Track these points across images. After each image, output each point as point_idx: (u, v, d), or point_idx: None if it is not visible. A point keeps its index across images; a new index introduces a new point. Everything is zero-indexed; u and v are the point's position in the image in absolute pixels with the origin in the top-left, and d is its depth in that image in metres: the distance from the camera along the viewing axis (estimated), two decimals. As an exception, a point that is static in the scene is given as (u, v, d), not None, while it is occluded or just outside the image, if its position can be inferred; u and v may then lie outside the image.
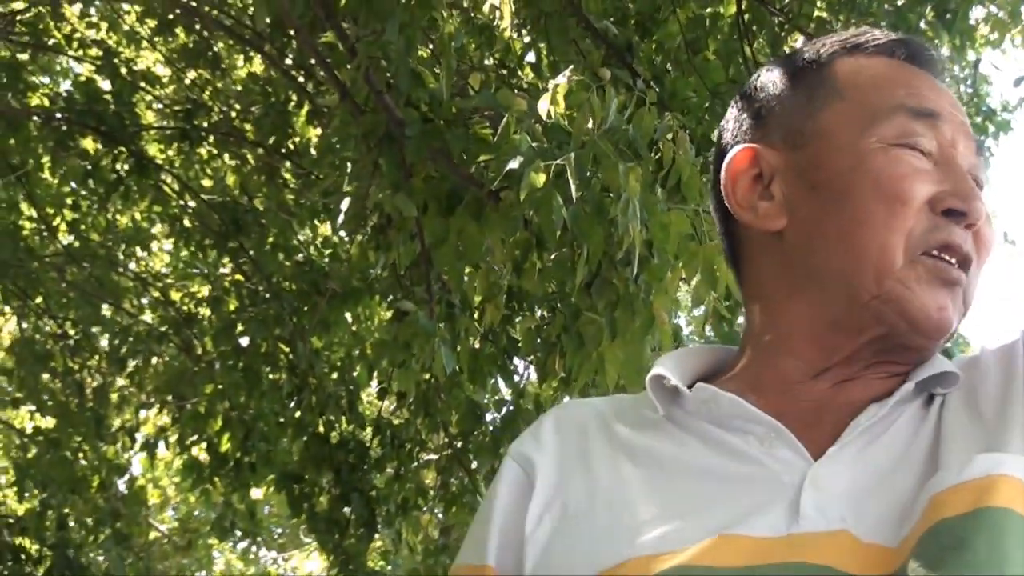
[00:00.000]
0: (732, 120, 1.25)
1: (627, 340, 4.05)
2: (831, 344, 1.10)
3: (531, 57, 5.71)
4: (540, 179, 3.58)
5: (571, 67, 4.00)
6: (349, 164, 4.93)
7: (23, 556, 6.75)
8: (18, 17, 6.96)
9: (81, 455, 7.43)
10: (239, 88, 7.05)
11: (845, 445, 1.01)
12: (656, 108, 4.00)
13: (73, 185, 7.17)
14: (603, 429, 1.14)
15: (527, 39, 5.57)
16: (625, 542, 0.99)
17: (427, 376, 5.37)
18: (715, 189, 1.22)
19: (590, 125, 3.72)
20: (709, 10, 5.47)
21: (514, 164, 3.62)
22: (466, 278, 4.80)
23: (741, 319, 4.95)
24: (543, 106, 3.75)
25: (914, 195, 1.07)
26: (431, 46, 5.05)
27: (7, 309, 7.77)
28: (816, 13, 5.65)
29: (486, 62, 5.60)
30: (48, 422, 7.61)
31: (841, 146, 1.12)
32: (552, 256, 4.13)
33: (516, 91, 5.06)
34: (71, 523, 7.25)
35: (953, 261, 1.07)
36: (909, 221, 1.07)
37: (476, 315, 5.32)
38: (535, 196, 3.59)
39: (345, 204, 4.63)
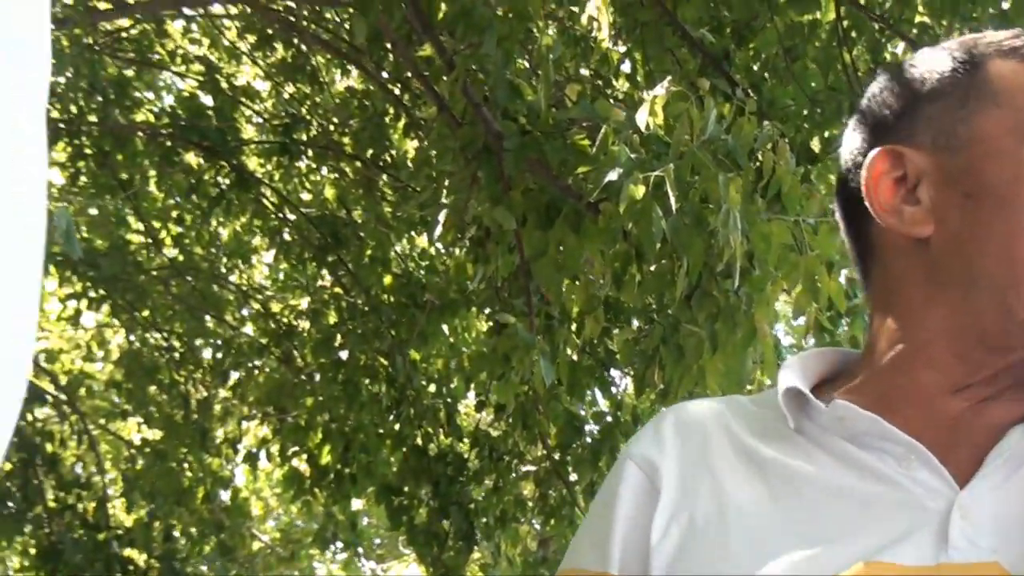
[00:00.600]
0: (869, 114, 1.17)
1: (728, 352, 4.02)
2: (977, 360, 1.03)
3: (626, 67, 5.69)
4: (639, 191, 3.56)
5: (669, 77, 3.97)
6: (447, 177, 4.95)
7: (131, 567, 6.86)
8: (123, 34, 7.11)
9: (186, 466, 7.55)
10: (337, 102, 7.12)
11: (990, 472, 0.97)
12: (755, 117, 3.96)
13: (177, 199, 7.30)
14: (726, 434, 1.09)
15: (622, 49, 5.54)
16: (763, 565, 0.95)
17: (525, 388, 5.37)
18: (843, 189, 1.17)
19: (689, 135, 3.70)
20: (807, 17, 5.39)
21: (613, 176, 3.60)
22: (564, 290, 4.80)
23: (843, 329, 4.90)
24: (641, 117, 3.73)
25: None
26: (528, 58, 5.06)
27: (116, 322, 7.92)
28: (918, 18, 5.55)
29: (582, 72, 5.59)
30: (155, 434, 7.74)
31: (1000, 154, 1.06)
32: (651, 268, 4.10)
33: (612, 101, 5.06)
34: (177, 534, 7.37)
35: None
36: None
37: (574, 327, 5.31)
38: (634, 208, 3.58)
39: (442, 216, 4.65)
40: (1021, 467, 0.97)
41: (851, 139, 1.18)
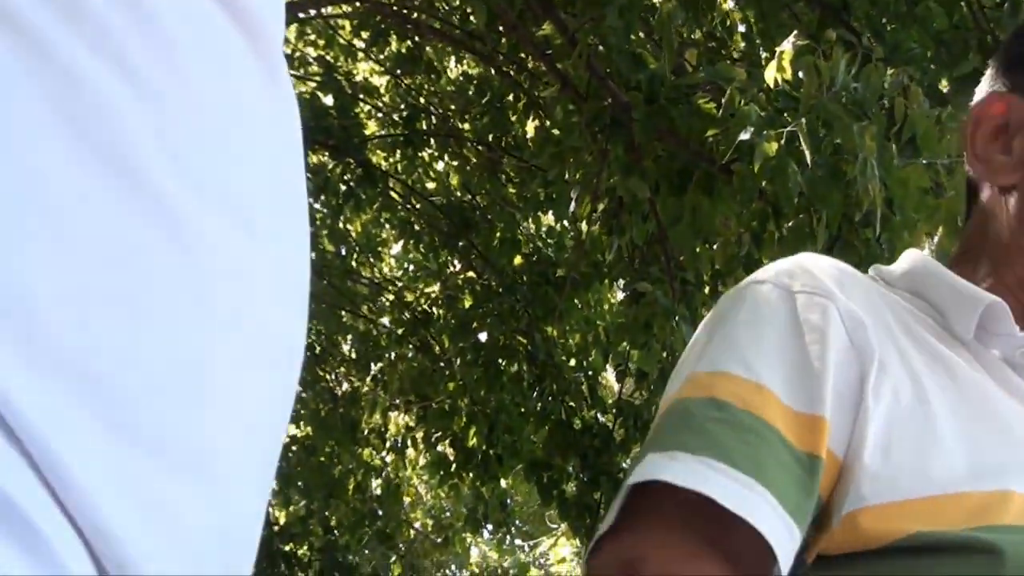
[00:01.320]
0: (1002, 59, 1.16)
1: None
2: None
3: (742, 28, 5.65)
4: (773, 147, 3.56)
5: (795, 32, 3.95)
6: (574, 153, 4.98)
7: (294, 562, 7.02)
8: (242, 43, 7.25)
9: (336, 459, 7.70)
10: (454, 89, 7.18)
11: None
12: (882, 64, 3.92)
13: (309, 200, 7.42)
14: (898, 317, 1.02)
15: (737, 7, 5.51)
16: (972, 464, 0.91)
17: (666, 355, 5.38)
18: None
19: (817, 88, 3.68)
20: (925, -44, 5.30)
21: (745, 136, 3.61)
22: (698, 253, 4.80)
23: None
24: (769, 74, 3.72)
25: None
26: (644, 27, 5.06)
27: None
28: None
29: (694, 36, 5.57)
30: (304, 430, 7.91)
31: None
32: (790, 224, 4.09)
33: (729, 60, 5.04)
34: (334, 526, 7.52)
35: None
36: None
37: (709, 291, 5.31)
38: (769, 165, 3.58)
39: (575, 192, 4.69)
40: None
41: (984, 82, 1.16)
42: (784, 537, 0.87)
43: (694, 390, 0.95)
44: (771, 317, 0.98)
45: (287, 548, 7.03)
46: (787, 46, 3.69)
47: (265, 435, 0.56)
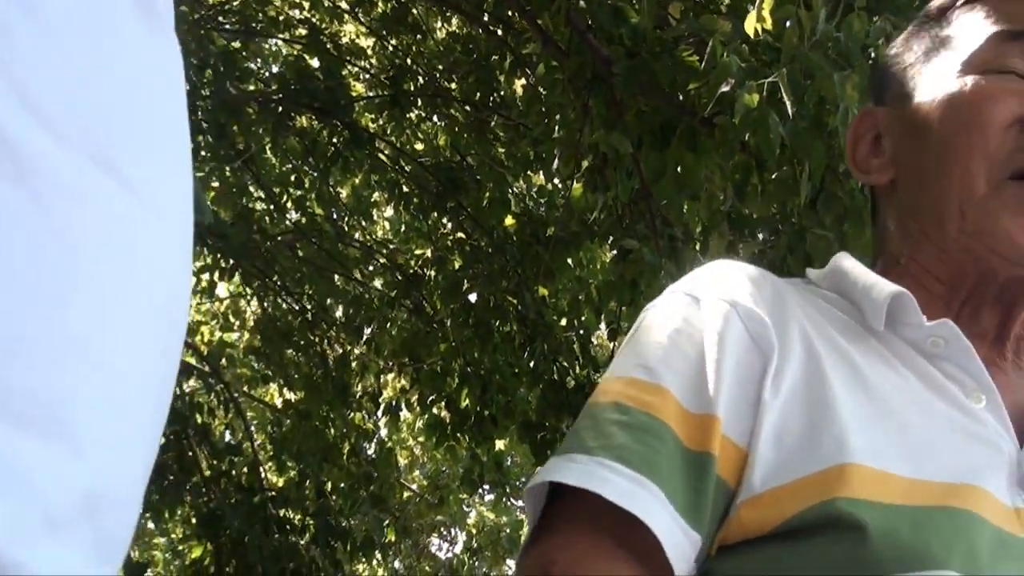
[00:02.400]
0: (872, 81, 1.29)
1: (858, 252, 3.97)
2: (949, 299, 1.09)
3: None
4: (754, 99, 3.53)
5: (775, -19, 3.90)
6: (558, 110, 4.95)
7: (288, 527, 7.04)
8: (226, 7, 7.21)
9: (329, 424, 7.70)
10: (441, 49, 7.14)
11: None
12: (864, 13, 3.88)
13: (294, 163, 7.41)
14: (809, 315, 1.05)
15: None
16: (875, 459, 0.91)
17: (656, 312, 5.35)
18: None
19: (798, 38, 3.64)
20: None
21: (725, 88, 3.58)
22: (685, 208, 4.77)
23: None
24: (750, 24, 3.68)
25: (992, 117, 1.04)
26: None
27: (248, 291, 8.09)
28: None
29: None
30: (297, 395, 7.91)
31: (935, 88, 1.11)
32: (773, 176, 4.06)
33: (716, 15, 4.99)
34: (328, 490, 7.53)
35: None
36: (990, 144, 1.03)
37: (698, 246, 5.28)
38: (751, 117, 3.55)
39: (557, 150, 4.66)
40: None
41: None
42: (675, 533, 0.89)
43: (603, 396, 1.00)
44: (677, 323, 1.03)
45: (281, 513, 7.02)
46: (767, -4, 3.65)
47: (140, 393, 0.54)
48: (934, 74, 1.13)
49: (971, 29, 1.12)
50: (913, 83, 1.16)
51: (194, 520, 7.19)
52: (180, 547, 9.32)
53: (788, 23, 3.60)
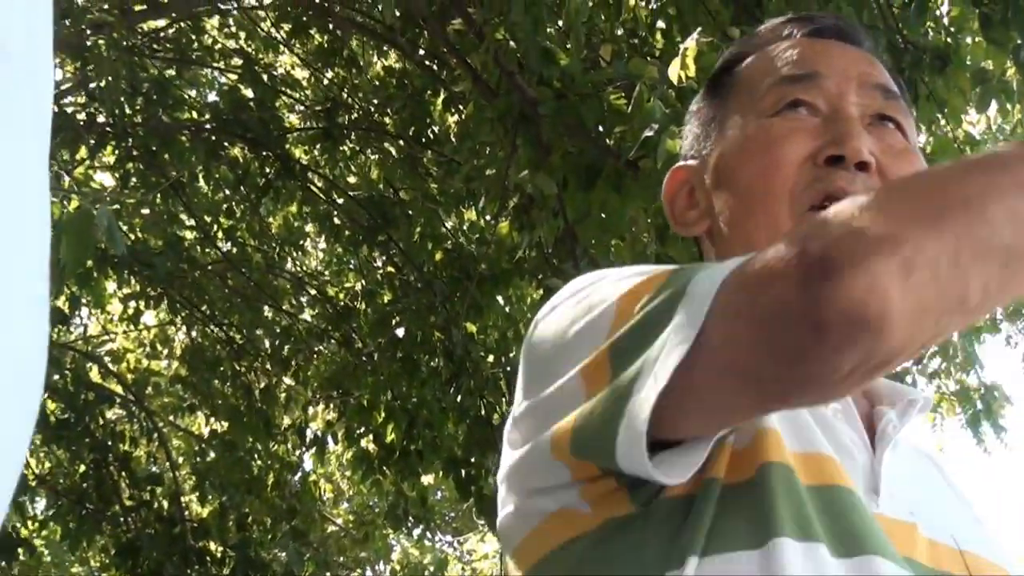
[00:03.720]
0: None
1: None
2: None
3: (662, 24, 5.66)
4: (676, 145, 3.56)
5: (699, 29, 3.96)
6: (488, 148, 4.97)
7: (208, 558, 6.97)
8: (161, 34, 7.18)
9: (255, 456, 7.64)
10: (376, 83, 7.16)
11: (884, 444, 1.03)
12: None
13: (226, 192, 7.37)
14: None
15: (655, 5, 5.53)
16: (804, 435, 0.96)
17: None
18: None
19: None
20: (837, -42, 5.33)
21: (650, 132, 3.62)
22: (612, 250, 4.80)
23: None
24: (673, 71, 3.73)
25: (785, 156, 1.10)
26: (560, 23, 5.05)
27: (176, 320, 8.02)
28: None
29: (617, 32, 5.58)
30: (222, 426, 7.84)
31: (732, 138, 1.16)
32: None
33: (649, 59, 5.05)
34: (250, 523, 7.47)
35: None
36: (789, 181, 1.09)
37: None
38: (673, 162, 3.57)
39: (485, 188, 4.67)
40: (895, 445, 1.04)
41: None
42: None
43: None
44: None
45: (201, 545, 6.95)
46: (690, 43, 3.70)
47: None
48: (730, 124, 1.18)
49: (758, 78, 1.17)
50: (713, 136, 1.20)
51: (113, 549, 7.10)
52: (99, 575, 9.20)
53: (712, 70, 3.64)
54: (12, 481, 0.53)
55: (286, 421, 7.98)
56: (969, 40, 5.08)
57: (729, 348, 0.84)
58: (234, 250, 7.66)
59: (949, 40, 5.03)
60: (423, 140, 6.91)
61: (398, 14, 5.28)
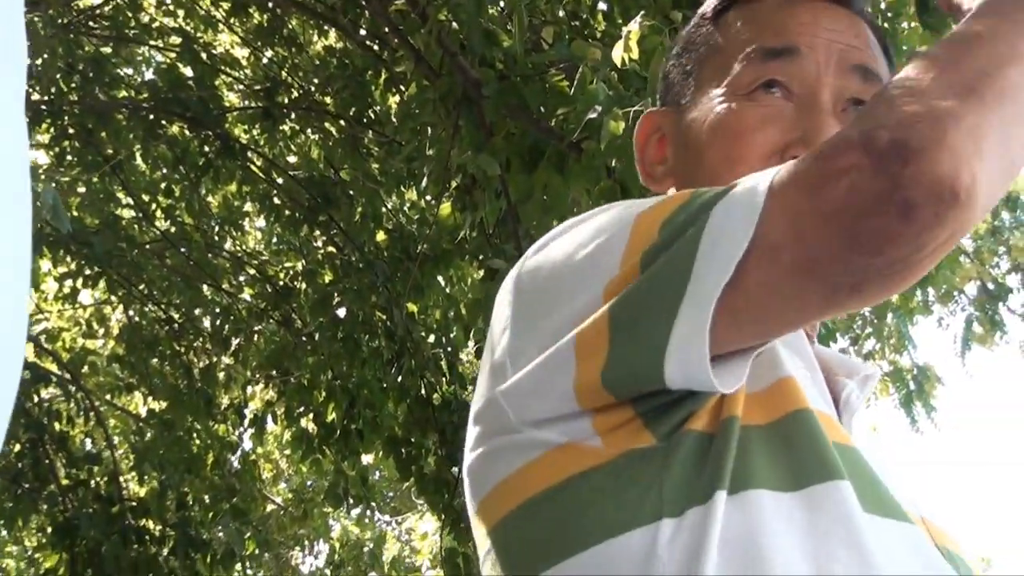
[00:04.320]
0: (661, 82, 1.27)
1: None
2: None
3: (603, 6, 5.69)
4: (619, 127, 3.59)
5: (642, 13, 3.98)
6: (430, 129, 4.97)
7: (148, 537, 6.93)
8: (97, 12, 7.10)
9: (194, 435, 7.61)
10: (317, 63, 7.13)
11: (848, 412, 1.06)
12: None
13: (164, 171, 7.32)
14: None
15: (596, -12, 5.55)
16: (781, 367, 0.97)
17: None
18: None
19: (664, 69, 3.71)
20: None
21: (593, 114, 3.64)
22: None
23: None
24: (617, 54, 3.75)
25: (752, 149, 1.08)
26: (502, 4, 5.06)
27: (113, 298, 7.95)
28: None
29: (559, 14, 5.60)
30: (160, 405, 7.80)
31: (704, 101, 1.14)
32: (637, 202, 4.12)
33: (590, 41, 5.07)
34: (190, 502, 7.43)
35: None
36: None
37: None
38: (616, 144, 3.61)
39: (428, 168, 4.68)
40: (853, 413, 1.07)
41: None
42: None
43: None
44: None
45: (140, 524, 6.91)
46: (634, 26, 3.72)
47: None
48: (705, 89, 1.15)
49: (739, 40, 1.14)
50: (689, 92, 1.18)
51: (49, 529, 7.04)
52: (35, 555, 9.10)
53: (653, 53, 3.67)
54: None
55: (225, 401, 7.94)
56: (906, 25, 5.13)
57: (794, 247, 0.82)
58: (173, 229, 7.60)
59: (886, 25, 5.09)
60: (364, 120, 6.89)
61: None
